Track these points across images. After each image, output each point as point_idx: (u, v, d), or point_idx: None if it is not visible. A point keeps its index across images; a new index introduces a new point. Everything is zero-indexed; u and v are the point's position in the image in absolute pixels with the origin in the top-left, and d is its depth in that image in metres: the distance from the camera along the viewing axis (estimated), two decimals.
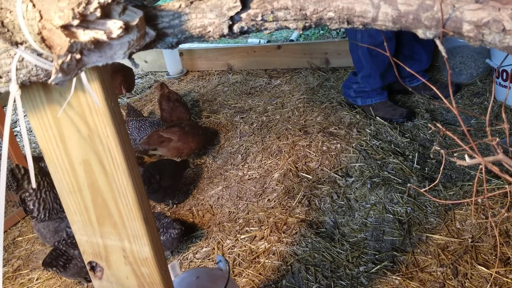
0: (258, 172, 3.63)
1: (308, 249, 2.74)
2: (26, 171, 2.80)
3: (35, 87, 1.28)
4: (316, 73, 5.12)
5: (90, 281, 2.82)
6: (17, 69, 1.16)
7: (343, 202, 3.06)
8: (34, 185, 1.15)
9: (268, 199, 3.26)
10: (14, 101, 1.15)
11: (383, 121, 3.75)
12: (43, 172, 2.95)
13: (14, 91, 1.18)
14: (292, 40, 6.41)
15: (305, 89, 4.79)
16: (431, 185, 2.88)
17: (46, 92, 1.28)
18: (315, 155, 3.56)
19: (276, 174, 3.51)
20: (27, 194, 2.84)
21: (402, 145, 3.45)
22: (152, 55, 6.34)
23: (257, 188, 3.43)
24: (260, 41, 6.71)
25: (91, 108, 1.26)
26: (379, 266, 2.53)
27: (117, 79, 4.77)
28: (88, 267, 1.61)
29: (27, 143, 1.18)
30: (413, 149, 3.38)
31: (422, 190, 1.93)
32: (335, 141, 3.63)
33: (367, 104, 3.91)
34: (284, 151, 3.74)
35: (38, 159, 3.53)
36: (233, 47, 6.07)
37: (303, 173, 3.41)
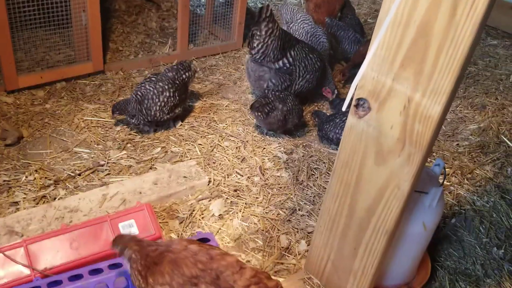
0: (449, 115, 3.44)
1: (488, 206, 2.62)
2: (271, 15, 2.90)
3: None
4: None
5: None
6: None
7: None
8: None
9: (458, 144, 3.11)
10: None
11: None
12: (273, 20, 3.00)
13: None
14: None
15: None
16: None
17: None
18: None
19: (472, 125, 3.31)
20: (258, 33, 2.96)
21: None
22: None
23: (447, 129, 3.27)
24: None
25: None
26: None
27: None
28: (353, 103, 1.67)
29: None
30: None
31: None
32: None
33: None
34: (489, 108, 3.48)
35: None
36: None
37: (505, 137, 3.17)
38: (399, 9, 1.40)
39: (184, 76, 2.96)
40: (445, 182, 2.77)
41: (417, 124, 1.48)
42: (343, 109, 1.53)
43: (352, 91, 1.48)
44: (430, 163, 2.80)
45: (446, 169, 2.86)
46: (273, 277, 2.10)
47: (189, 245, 1.57)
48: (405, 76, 1.47)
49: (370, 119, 1.61)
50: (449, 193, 2.70)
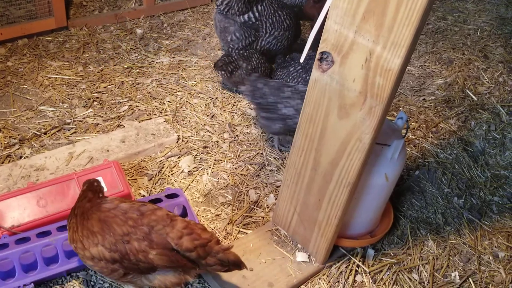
0: (417, 71, 3.49)
1: (451, 158, 2.71)
2: None
3: None
4: (511, 6, 4.59)
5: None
6: None
7: (498, 136, 2.93)
8: None
9: (424, 99, 3.18)
10: None
11: None
12: None
13: None
14: None
15: (495, 16, 4.34)
16: None
17: None
18: (488, 82, 3.35)
19: (439, 80, 3.37)
20: None
21: None
22: None
23: (414, 84, 3.32)
24: None
25: None
26: None
27: None
28: (317, 57, 1.67)
29: None
30: None
31: None
32: None
33: None
34: (456, 63, 3.53)
35: None
36: None
37: (470, 92, 3.25)
38: None
39: None
40: (410, 136, 2.84)
41: (378, 77, 1.50)
42: (301, 60, 1.54)
43: (309, 44, 1.48)
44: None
45: (412, 124, 2.94)
46: (242, 229, 2.17)
47: (120, 204, 1.59)
48: (366, 28, 1.47)
49: (333, 72, 1.62)
50: (414, 146, 2.78)
